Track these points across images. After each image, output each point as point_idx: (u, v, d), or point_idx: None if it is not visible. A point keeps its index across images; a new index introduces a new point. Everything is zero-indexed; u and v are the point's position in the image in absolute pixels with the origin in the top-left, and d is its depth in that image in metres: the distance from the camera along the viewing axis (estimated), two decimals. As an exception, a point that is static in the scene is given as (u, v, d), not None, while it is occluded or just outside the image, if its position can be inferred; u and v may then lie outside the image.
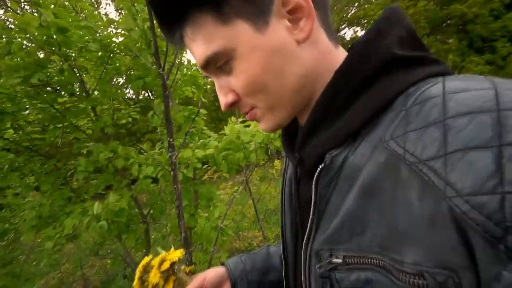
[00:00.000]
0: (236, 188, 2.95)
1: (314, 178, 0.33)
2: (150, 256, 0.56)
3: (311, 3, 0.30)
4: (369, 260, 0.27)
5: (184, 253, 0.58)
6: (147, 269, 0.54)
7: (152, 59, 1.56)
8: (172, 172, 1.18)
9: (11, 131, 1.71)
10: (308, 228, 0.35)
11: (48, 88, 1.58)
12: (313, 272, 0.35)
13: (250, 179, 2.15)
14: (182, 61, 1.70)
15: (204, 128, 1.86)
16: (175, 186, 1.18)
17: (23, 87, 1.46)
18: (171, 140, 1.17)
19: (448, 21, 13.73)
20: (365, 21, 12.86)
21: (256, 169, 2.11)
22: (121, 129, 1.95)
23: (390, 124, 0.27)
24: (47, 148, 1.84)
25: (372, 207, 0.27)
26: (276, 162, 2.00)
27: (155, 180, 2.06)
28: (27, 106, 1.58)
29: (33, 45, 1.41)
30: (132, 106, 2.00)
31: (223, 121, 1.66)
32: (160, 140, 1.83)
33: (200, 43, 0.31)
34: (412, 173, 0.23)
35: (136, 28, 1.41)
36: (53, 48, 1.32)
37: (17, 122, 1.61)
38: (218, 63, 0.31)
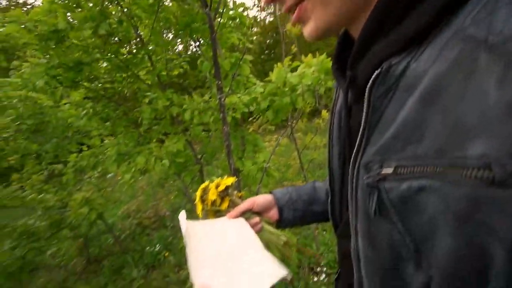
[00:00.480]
0: (280, 138, 3.00)
1: (368, 86, 0.31)
2: (208, 182, 0.65)
3: None
4: (424, 168, 0.26)
5: (235, 180, 0.64)
6: (206, 191, 0.63)
7: (199, 3, 1.54)
8: (221, 114, 1.25)
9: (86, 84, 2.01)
10: (357, 142, 0.34)
11: (112, 39, 1.74)
12: (360, 185, 0.34)
13: (296, 129, 2.15)
14: (227, 2, 1.64)
15: (250, 76, 1.85)
16: (224, 127, 1.26)
17: (93, 39, 1.64)
18: (219, 82, 1.21)
19: None
20: None
21: (301, 119, 2.08)
22: (174, 79, 2.08)
23: (468, 14, 0.23)
24: (116, 97, 2.12)
25: (434, 110, 0.25)
26: (323, 112, 1.93)
27: (206, 130, 2.24)
28: (98, 57, 1.79)
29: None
30: (182, 57, 2.09)
31: (269, 73, 1.61)
32: (209, 89, 1.91)
33: None
34: (493, 57, 0.21)
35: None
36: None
37: (92, 72, 1.86)
38: None
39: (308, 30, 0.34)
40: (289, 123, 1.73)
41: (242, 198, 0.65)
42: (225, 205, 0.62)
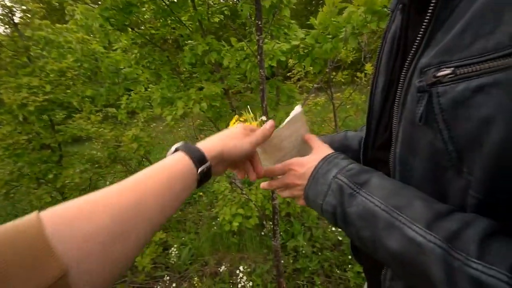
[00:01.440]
0: (321, 99, 2.92)
1: None
2: (235, 119, 0.65)
3: None
4: (491, 64, 0.25)
5: (262, 122, 0.62)
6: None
7: None
8: (258, 57, 1.26)
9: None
10: (414, 48, 0.34)
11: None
12: (410, 91, 0.34)
13: (333, 83, 2.06)
14: None
15: (291, 21, 1.76)
16: (260, 71, 1.27)
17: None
18: (259, 23, 1.19)
19: None
20: None
21: (342, 71, 1.96)
22: (215, 28, 2.07)
23: None
24: (160, 42, 2.21)
25: (499, 8, 0.24)
26: (368, 66, 1.79)
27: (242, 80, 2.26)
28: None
29: None
30: (222, 1, 2.04)
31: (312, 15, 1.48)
32: (249, 35, 1.88)
33: None
34: None
35: None
36: None
37: (139, 17, 1.94)
38: None
39: None
40: (328, 68, 1.65)
41: None
42: None
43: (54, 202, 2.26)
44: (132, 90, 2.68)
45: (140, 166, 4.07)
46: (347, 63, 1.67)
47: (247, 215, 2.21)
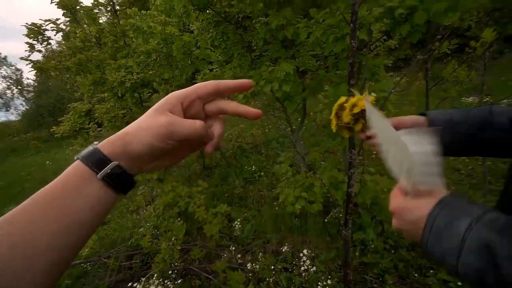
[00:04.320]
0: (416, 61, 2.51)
1: None
2: (345, 98, 0.60)
3: None
4: None
5: (374, 98, 0.56)
6: (341, 107, 0.60)
7: None
8: (351, 25, 1.10)
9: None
10: None
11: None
12: None
13: (433, 57, 1.70)
14: None
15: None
16: (351, 41, 1.12)
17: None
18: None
19: None
20: None
21: (447, 40, 1.59)
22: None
23: None
24: (235, 19, 2.21)
25: None
26: (486, 31, 1.39)
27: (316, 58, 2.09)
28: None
29: None
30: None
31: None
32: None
33: None
34: None
35: None
36: None
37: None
38: None
39: None
40: (430, 45, 1.36)
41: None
42: (358, 126, 0.58)
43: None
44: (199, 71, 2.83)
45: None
46: (459, 30, 1.33)
47: (310, 199, 2.14)
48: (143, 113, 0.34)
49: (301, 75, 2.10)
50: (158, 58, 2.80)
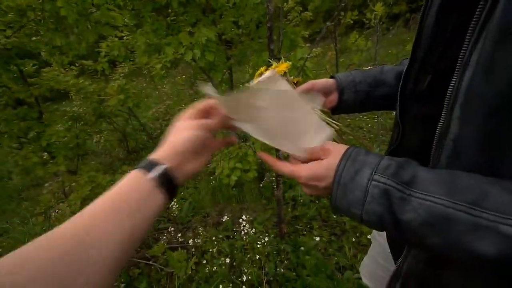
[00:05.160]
0: (317, 49, 2.72)
1: None
2: (264, 68, 0.61)
3: None
4: None
5: (289, 66, 0.58)
6: (262, 76, 0.59)
7: None
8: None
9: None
10: None
11: None
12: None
13: (338, 29, 1.88)
14: None
15: None
16: (268, 5, 1.11)
17: None
18: None
19: None
20: None
21: (350, 11, 1.78)
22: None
23: None
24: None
25: None
26: (377, 5, 1.62)
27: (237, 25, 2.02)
28: None
29: None
30: None
31: None
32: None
33: None
34: None
35: None
36: None
37: None
38: None
39: None
40: (335, 14, 1.49)
41: (299, 84, 0.61)
42: None
43: (43, 162, 2.14)
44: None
45: (128, 125, 3.89)
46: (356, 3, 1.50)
47: (245, 168, 2.22)
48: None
49: (226, 45, 2.01)
50: (41, 18, 2.16)
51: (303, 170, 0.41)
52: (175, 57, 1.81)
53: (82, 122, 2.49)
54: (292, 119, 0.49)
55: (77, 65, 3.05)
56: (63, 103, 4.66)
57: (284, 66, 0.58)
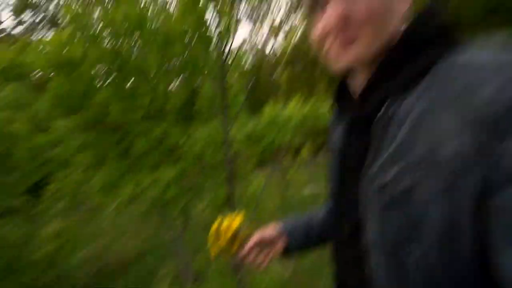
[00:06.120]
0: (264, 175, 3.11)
1: (376, 120, 0.44)
2: (219, 221, 0.65)
3: None
4: (415, 169, 0.38)
5: (242, 219, 0.65)
6: (217, 233, 0.64)
7: (209, 48, 1.80)
8: (225, 146, 1.38)
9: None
10: (368, 159, 0.44)
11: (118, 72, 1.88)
12: (372, 188, 0.43)
13: (282, 163, 2.30)
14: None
15: (243, 110, 2.04)
16: (227, 157, 1.37)
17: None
18: (225, 118, 1.37)
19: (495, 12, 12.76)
20: None
21: (289, 153, 2.26)
22: (173, 110, 2.20)
23: (431, 81, 0.40)
24: (112, 125, 2.14)
25: (419, 132, 0.39)
26: (304, 150, 2.14)
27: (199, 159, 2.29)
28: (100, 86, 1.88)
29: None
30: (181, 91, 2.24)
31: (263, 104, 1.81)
32: (209, 121, 2.04)
33: None
34: (447, 103, 0.36)
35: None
36: (135, 39, 1.61)
37: (93, 99, 1.92)
38: None
39: (352, 55, 0.43)
40: (281, 156, 1.89)
41: (250, 235, 0.66)
42: (235, 247, 0.64)
43: None
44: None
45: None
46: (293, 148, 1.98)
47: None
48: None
49: (185, 179, 2.16)
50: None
51: None
52: (134, 194, 1.82)
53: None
54: None
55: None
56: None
57: (238, 220, 0.63)
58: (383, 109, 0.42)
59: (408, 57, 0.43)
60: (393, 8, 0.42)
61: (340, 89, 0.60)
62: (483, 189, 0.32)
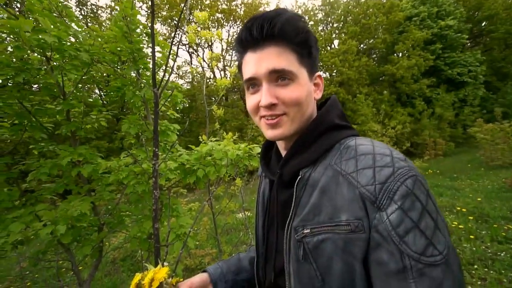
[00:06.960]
0: (195, 204, 3.04)
1: (295, 184, 0.55)
2: (140, 275, 0.62)
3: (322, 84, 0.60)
4: (323, 228, 0.48)
5: (169, 269, 0.64)
6: (139, 286, 0.60)
7: (135, 75, 1.71)
8: (153, 179, 1.32)
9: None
10: (290, 214, 0.55)
11: (25, 86, 1.57)
12: (292, 241, 0.53)
13: (214, 194, 2.32)
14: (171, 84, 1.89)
15: (177, 143, 2.00)
16: (154, 192, 1.31)
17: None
18: (156, 150, 1.33)
19: (383, 77, 16.74)
20: (320, 64, 14.77)
21: (221, 185, 2.30)
22: (91, 135, 1.95)
23: (333, 157, 0.55)
24: (1, 144, 1.72)
25: (325, 198, 0.50)
26: (238, 180, 2.24)
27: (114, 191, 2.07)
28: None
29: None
30: (103, 113, 2.04)
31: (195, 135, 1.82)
32: (127, 149, 1.90)
33: (277, 56, 0.51)
34: (344, 179, 0.50)
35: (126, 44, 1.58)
36: (48, 53, 1.38)
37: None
38: (281, 75, 0.52)
39: (279, 132, 0.56)
40: (210, 188, 1.91)
41: (178, 282, 0.66)
42: None
43: None
44: None
45: None
46: (225, 181, 2.03)
47: None
48: None
49: (97, 213, 1.89)
50: None
51: None
52: (25, 235, 1.47)
53: None
54: None
55: None
56: None
57: (163, 271, 0.62)
58: (301, 173, 0.54)
59: (316, 138, 0.57)
60: (310, 98, 0.57)
61: (266, 149, 0.72)
62: (367, 247, 0.45)
